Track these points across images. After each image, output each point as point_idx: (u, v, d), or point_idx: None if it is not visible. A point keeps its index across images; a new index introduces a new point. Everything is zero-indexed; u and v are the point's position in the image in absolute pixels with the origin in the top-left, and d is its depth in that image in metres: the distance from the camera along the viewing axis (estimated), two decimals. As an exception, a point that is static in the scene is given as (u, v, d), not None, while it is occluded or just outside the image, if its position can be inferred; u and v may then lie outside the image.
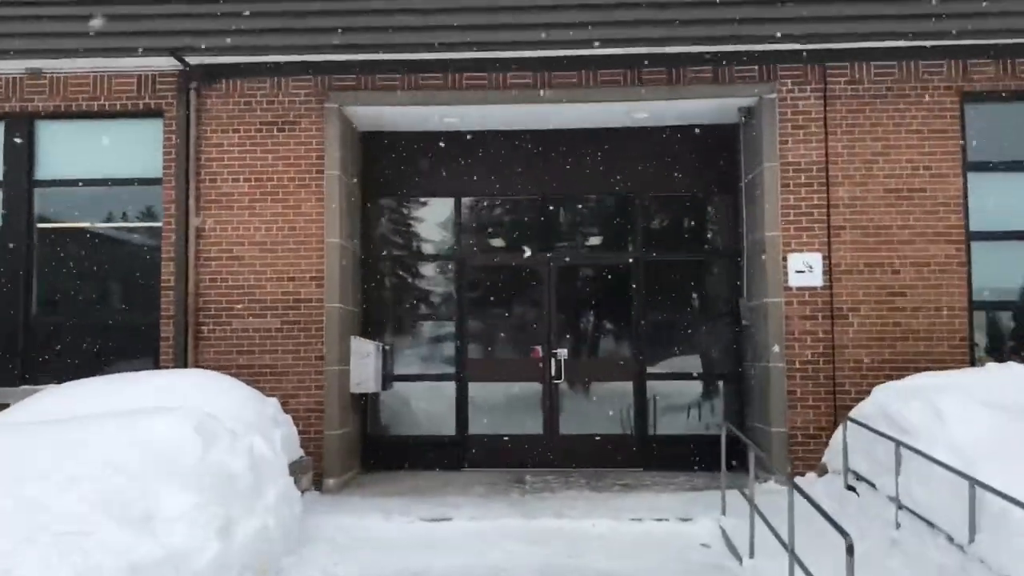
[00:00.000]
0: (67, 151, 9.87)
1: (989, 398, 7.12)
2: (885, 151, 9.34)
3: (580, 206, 11.17)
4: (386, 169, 10.73)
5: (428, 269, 11.14)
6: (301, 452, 8.77)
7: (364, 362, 9.83)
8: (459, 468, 10.44)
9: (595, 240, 11.05)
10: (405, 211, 11.12)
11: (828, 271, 9.29)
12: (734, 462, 8.10)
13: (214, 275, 9.45)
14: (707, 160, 10.57)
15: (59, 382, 8.17)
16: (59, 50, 9.10)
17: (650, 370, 10.65)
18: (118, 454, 5.33)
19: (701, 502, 8.34)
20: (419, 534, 7.51)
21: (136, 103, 9.62)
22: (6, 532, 4.35)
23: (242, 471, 6.25)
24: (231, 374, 8.79)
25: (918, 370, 8.83)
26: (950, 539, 5.98)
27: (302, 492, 8.30)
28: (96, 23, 8.65)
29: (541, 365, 10.67)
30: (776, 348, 9.26)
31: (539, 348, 10.74)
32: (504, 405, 10.72)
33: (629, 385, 10.63)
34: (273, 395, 8.72)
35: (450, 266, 10.92)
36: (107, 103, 9.62)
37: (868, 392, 8.49)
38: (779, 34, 8.87)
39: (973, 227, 9.36)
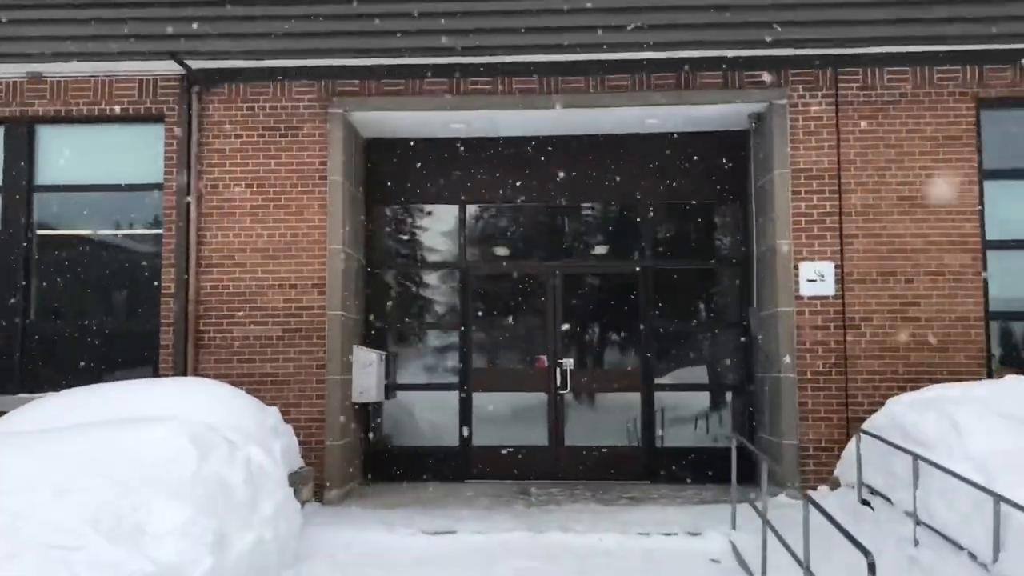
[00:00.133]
0: (67, 156, 9.74)
1: (1007, 410, 6.97)
2: (898, 158, 9.16)
3: (586, 214, 11.01)
4: (390, 176, 10.59)
5: (432, 277, 10.98)
6: (301, 462, 8.58)
7: (367, 371, 9.67)
8: (463, 480, 10.25)
9: (602, 248, 10.87)
10: (409, 218, 10.97)
11: (840, 280, 9.10)
12: (744, 476, 7.92)
13: (215, 282, 9.30)
14: (716, 167, 10.41)
15: (57, 390, 8.03)
16: (59, 53, 8.97)
17: (657, 381, 10.47)
18: (109, 465, 5.17)
19: (710, 516, 8.13)
20: (422, 548, 7.31)
21: (137, 108, 9.50)
22: (-10, 546, 4.19)
23: (239, 483, 6.08)
24: (231, 382, 8.59)
25: (933, 381, 8.68)
26: (972, 557, 5.78)
27: (302, 503, 8.14)
28: (96, 26, 8.49)
29: (547, 375, 10.49)
30: (787, 358, 9.07)
31: (544, 358, 10.57)
32: (509, 416, 10.54)
33: (636, 396, 10.44)
34: (274, 404, 8.52)
35: (454, 274, 10.76)
36: (108, 107, 9.50)
37: (881, 404, 8.33)
38: (790, 38, 8.69)
39: (989, 236, 9.17)
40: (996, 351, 9.32)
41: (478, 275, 10.77)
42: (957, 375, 8.86)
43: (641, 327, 10.48)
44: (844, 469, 8.36)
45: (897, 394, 8.44)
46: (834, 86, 9.22)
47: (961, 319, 9.05)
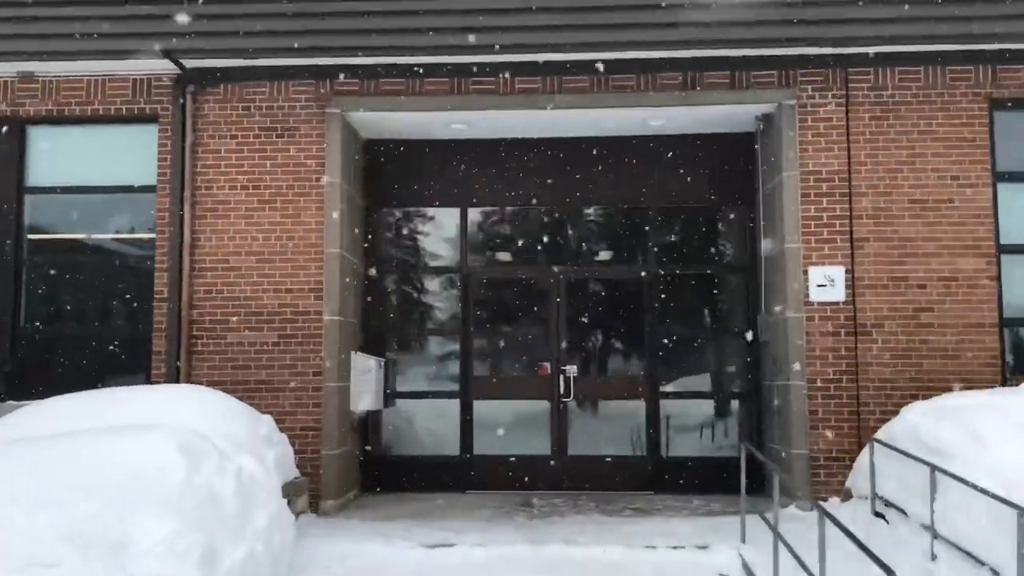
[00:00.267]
0: (59, 157, 9.54)
1: (1026, 420, 6.71)
2: (910, 160, 8.94)
3: (590, 217, 10.81)
4: (389, 178, 10.37)
5: (432, 282, 10.77)
6: (297, 472, 8.35)
7: (365, 378, 9.46)
8: (464, 490, 10.02)
9: (605, 253, 10.67)
10: (409, 221, 10.75)
11: (851, 285, 8.87)
12: (751, 486, 7.69)
13: (209, 286, 9.08)
14: (722, 170, 10.20)
15: (47, 398, 7.78)
16: (50, 52, 8.77)
17: (663, 388, 10.25)
18: (92, 476, 4.93)
19: (718, 528, 7.91)
20: (420, 562, 7.08)
21: (131, 108, 9.30)
22: (-40, 563, 3.95)
23: (230, 494, 5.84)
24: (225, 390, 8.38)
25: (946, 389, 8.47)
26: (995, 573, 5.53)
27: (297, 515, 7.93)
28: (89, 24, 8.27)
29: (549, 383, 10.27)
30: (796, 366, 8.84)
31: (547, 365, 10.34)
32: (511, 424, 10.32)
33: (641, 404, 10.22)
34: (269, 412, 8.31)
35: (455, 279, 10.54)
36: (101, 108, 9.30)
37: (893, 412, 8.14)
38: (799, 36, 8.49)
39: (1003, 239, 8.95)
40: (1010, 358, 9.08)
41: (479, 280, 10.57)
42: (970, 382, 8.66)
43: (646, 333, 10.28)
44: (856, 480, 8.13)
45: (909, 402, 8.22)
46: (844, 86, 9.01)
47: (975, 325, 8.82)
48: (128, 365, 9.34)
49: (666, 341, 10.28)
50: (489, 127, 9.88)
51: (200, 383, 8.75)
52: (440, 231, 10.67)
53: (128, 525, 4.74)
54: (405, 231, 10.77)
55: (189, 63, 9.00)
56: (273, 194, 9.13)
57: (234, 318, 9.04)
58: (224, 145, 9.18)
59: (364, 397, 9.44)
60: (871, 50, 8.82)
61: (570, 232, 10.72)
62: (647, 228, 10.38)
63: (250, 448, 6.95)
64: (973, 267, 8.84)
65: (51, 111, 9.32)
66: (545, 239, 10.61)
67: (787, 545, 6.01)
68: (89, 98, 9.29)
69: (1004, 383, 8.75)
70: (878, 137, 8.96)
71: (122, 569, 4.38)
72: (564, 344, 10.32)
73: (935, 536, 6.30)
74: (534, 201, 10.47)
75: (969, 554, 5.86)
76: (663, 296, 10.27)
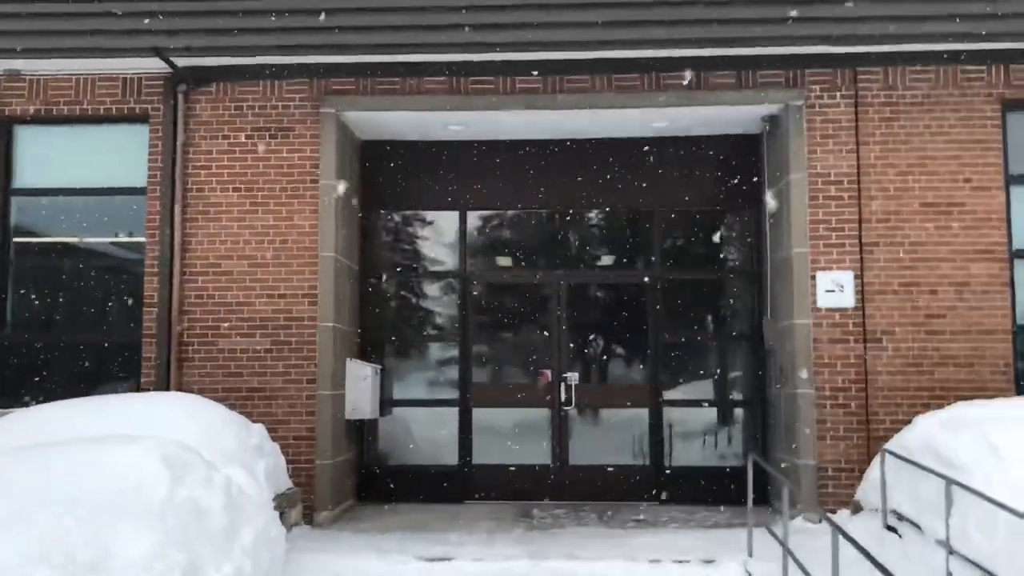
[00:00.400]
0: (47, 158, 9.29)
1: (1044, 431, 6.47)
2: (921, 162, 8.71)
3: (593, 221, 10.58)
4: (386, 180, 10.14)
5: (431, 287, 10.52)
6: (290, 483, 8.11)
7: (361, 386, 9.22)
8: (462, 500, 9.77)
9: (608, 257, 10.42)
10: (407, 225, 10.51)
11: (860, 291, 8.64)
12: (756, 497, 7.46)
13: (200, 291, 8.84)
14: (728, 172, 9.98)
15: (34, 405, 7.57)
16: (38, 49, 8.51)
17: (666, 396, 10.01)
18: (68, 490, 4.69)
19: (725, 541, 7.69)
20: (416, 577, 6.85)
21: (121, 107, 9.06)
22: (-78, 586, 3.71)
23: (217, 508, 5.59)
24: (216, 397, 8.22)
25: (958, 398, 8.23)
26: (1017, 594, 5.28)
27: (290, 527, 7.70)
28: (77, 21, 8.02)
29: (550, 390, 10.03)
30: (804, 374, 8.60)
31: (548, 372, 10.11)
32: (510, 433, 10.09)
33: (644, 412, 9.98)
34: (261, 420, 8.08)
35: (454, 284, 10.30)
36: (90, 107, 9.07)
37: (904, 422, 7.94)
38: (807, 34, 8.24)
39: (1017, 244, 8.73)
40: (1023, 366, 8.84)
41: (479, 285, 10.35)
42: (983, 391, 8.43)
43: (649, 340, 10.04)
44: (866, 492, 7.89)
45: (920, 412, 8.06)
46: (853, 86, 8.78)
47: (988, 332, 8.59)
48: (118, 372, 9.11)
49: (670, 348, 10.06)
50: (488, 128, 9.64)
51: (191, 391, 8.51)
52: (438, 235, 10.44)
53: (105, 543, 4.49)
54: (402, 235, 10.53)
55: (180, 62, 8.77)
56: (266, 196, 8.89)
57: (225, 324, 8.79)
58: (216, 146, 8.94)
59: (360, 405, 9.21)
60: (881, 48, 8.58)
61: (571, 236, 10.50)
62: (650, 232, 10.16)
63: (240, 459, 6.74)
64: (986, 273, 8.61)
65: (39, 110, 9.08)
66: (546, 243, 10.39)
67: (798, 562, 5.79)
68: (78, 97, 9.06)
69: (1018, 392, 8.54)
70: (888, 139, 8.74)
71: (95, 591, 4.14)
72: (565, 351, 10.10)
73: (951, 552, 6.07)
74: (535, 204, 10.25)
75: (987, 572, 5.62)
76: (666, 301, 10.05)
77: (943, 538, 6.16)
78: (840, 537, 5.07)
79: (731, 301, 10.37)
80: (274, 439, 7.97)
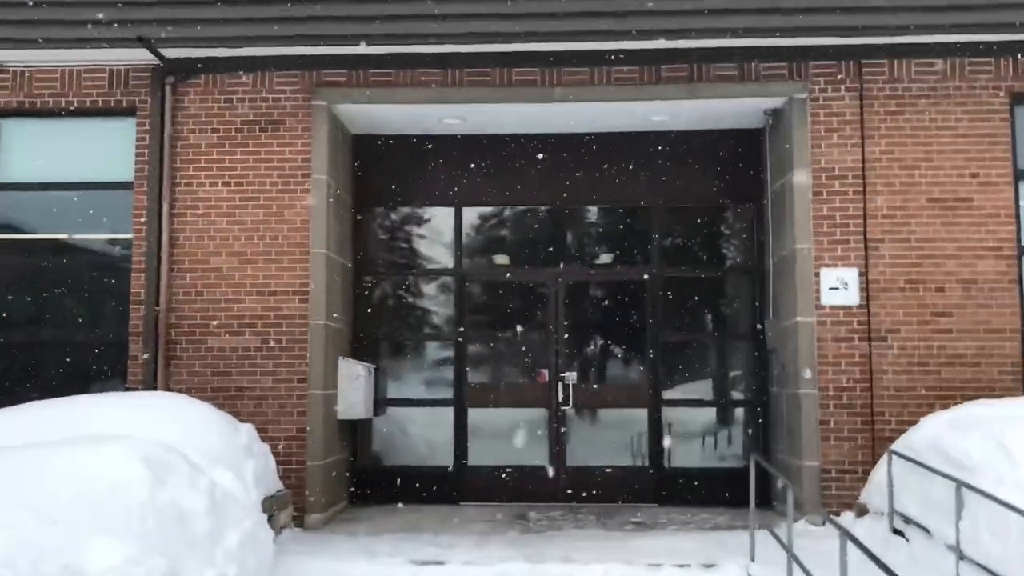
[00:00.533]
0: (30, 152, 9.05)
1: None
2: (928, 156, 8.52)
3: (591, 218, 10.39)
4: (380, 175, 9.92)
5: (425, 285, 10.33)
6: (280, 485, 7.90)
7: (353, 385, 9.02)
8: (457, 502, 9.57)
9: (607, 255, 10.21)
10: (401, 221, 10.30)
11: (865, 288, 8.45)
12: (757, 499, 7.27)
13: (188, 288, 8.63)
14: (729, 168, 9.79)
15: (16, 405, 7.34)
16: (21, 40, 8.28)
17: (666, 396, 9.82)
18: (41, 493, 4.48)
19: (725, 544, 7.52)
20: (407, 582, 6.65)
21: (107, 100, 8.85)
22: None
23: (200, 512, 5.40)
24: (205, 397, 8.05)
25: (965, 398, 8.06)
26: (1032, 601, 5.08)
27: (280, 529, 7.52)
28: (59, 10, 7.80)
29: (547, 390, 9.84)
30: (807, 373, 8.40)
31: (545, 372, 9.92)
32: (507, 433, 9.89)
33: (643, 412, 9.79)
34: (251, 421, 7.92)
35: (449, 282, 10.10)
36: (76, 100, 8.85)
37: (910, 422, 7.79)
38: (811, 25, 8.05)
39: (1026, 241, 8.55)
40: (1032, 366, 8.64)
41: (475, 282, 10.18)
42: (991, 391, 8.25)
43: (648, 338, 9.85)
44: (871, 494, 7.71)
45: (926, 412, 7.93)
46: (858, 79, 8.58)
47: (996, 331, 8.41)
48: (104, 371, 8.90)
49: (670, 347, 9.89)
50: (484, 122, 9.45)
51: (179, 390, 8.34)
52: (433, 231, 10.25)
53: (78, 549, 4.27)
54: (396, 231, 10.33)
55: (168, 53, 8.56)
56: (256, 191, 8.68)
57: (214, 322, 8.59)
58: (205, 139, 8.74)
59: (353, 405, 9.01)
60: (886, 40, 8.38)
61: (569, 233, 10.32)
62: (650, 229, 9.98)
63: (227, 460, 6.54)
64: (994, 270, 8.42)
65: (23, 103, 8.86)
66: (543, 240, 10.20)
67: (803, 567, 5.60)
68: (63, 90, 8.85)
69: (1026, 391, 8.33)
70: (894, 132, 8.55)
71: (64, 601, 3.93)
72: (563, 350, 9.90)
73: (961, 557, 5.90)
74: (532, 201, 10.08)
75: (1000, 577, 5.43)
76: (666, 300, 9.85)
77: (953, 542, 6.00)
78: (847, 541, 4.86)
79: (732, 299, 10.20)
80: (264, 439, 7.80)
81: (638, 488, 9.64)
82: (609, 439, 9.89)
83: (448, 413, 9.86)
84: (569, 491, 9.63)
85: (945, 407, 7.75)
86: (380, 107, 8.96)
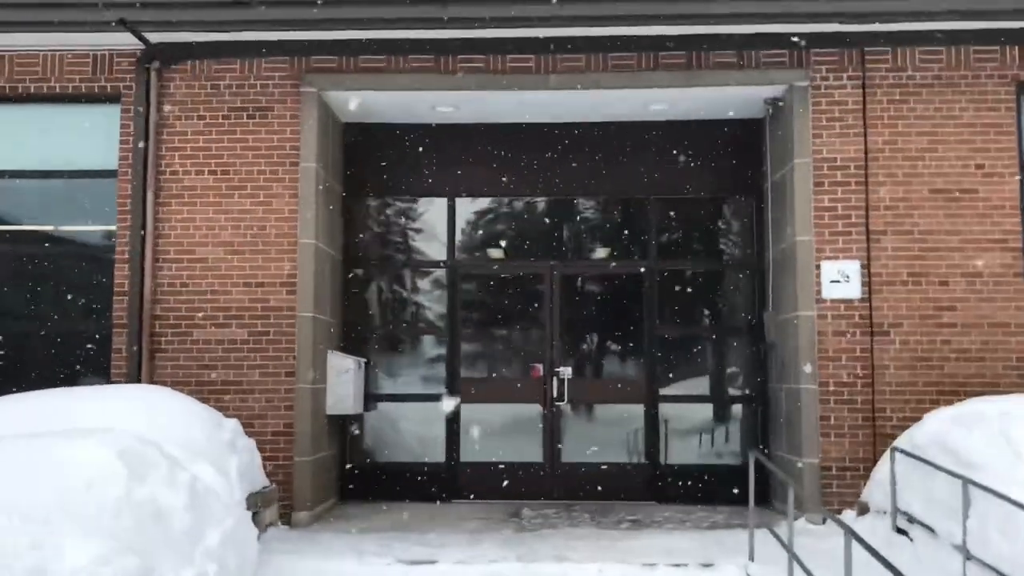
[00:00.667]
0: (11, 139, 8.84)
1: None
2: (931, 147, 8.34)
3: (587, 209, 10.22)
4: (371, 165, 9.72)
5: (417, 278, 10.15)
6: (266, 481, 7.70)
7: (343, 379, 8.84)
8: (449, 499, 9.41)
9: (603, 247, 10.04)
10: (392, 212, 10.12)
11: (867, 281, 8.28)
12: (755, 497, 7.09)
13: (173, 279, 8.43)
14: (728, 158, 9.62)
15: (-2, 399, 7.13)
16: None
17: (662, 392, 9.67)
18: (11, 488, 4.27)
19: (723, 543, 7.35)
20: (395, 583, 6.45)
21: (91, 86, 8.64)
22: None
23: (179, 508, 5.20)
24: (190, 391, 7.89)
25: (969, 394, 7.87)
26: (1043, 602, 4.90)
27: (265, 527, 7.32)
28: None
29: (542, 385, 9.65)
30: (808, 368, 8.22)
31: (540, 366, 9.74)
32: (500, 429, 9.73)
33: (639, 408, 9.63)
34: (237, 415, 7.70)
35: (442, 274, 9.91)
36: (58, 85, 8.64)
37: (913, 419, 7.60)
38: (812, 12, 7.86)
39: (1031, 233, 8.36)
40: (1037, 361, 8.47)
41: (468, 275, 9.99)
42: (995, 386, 8.09)
43: (645, 333, 9.69)
44: (873, 492, 7.55)
45: (929, 408, 7.78)
46: (861, 67, 8.40)
47: (1000, 325, 8.24)
48: (87, 364, 8.69)
49: (667, 341, 9.72)
50: (477, 111, 9.26)
51: (164, 383, 8.14)
52: (426, 223, 10.07)
53: (47, 548, 4.07)
54: (388, 222, 10.14)
55: (153, 37, 8.33)
56: (243, 180, 8.48)
57: (200, 314, 8.39)
58: (191, 126, 8.52)
59: (342, 399, 8.83)
60: (890, 27, 8.18)
61: (565, 225, 10.14)
62: (647, 221, 9.82)
63: (209, 455, 6.34)
64: (999, 263, 8.25)
65: (3, 88, 8.64)
66: (538, 232, 10.04)
67: (803, 566, 5.41)
68: (45, 75, 8.63)
69: (1030, 387, 8.16)
70: (897, 122, 8.37)
71: (28, 603, 3.72)
72: (558, 344, 9.73)
73: (968, 557, 5.74)
74: (526, 191, 9.92)
75: (1009, 579, 5.25)
76: (664, 293, 9.70)
77: (959, 541, 5.84)
78: (852, 540, 4.68)
79: (731, 293, 10.04)
80: (250, 435, 7.59)
81: (634, 485, 9.49)
82: (605, 435, 9.74)
83: (440, 408, 9.66)
84: (564, 488, 9.48)
85: (948, 403, 7.56)
86: (371, 94, 8.76)
